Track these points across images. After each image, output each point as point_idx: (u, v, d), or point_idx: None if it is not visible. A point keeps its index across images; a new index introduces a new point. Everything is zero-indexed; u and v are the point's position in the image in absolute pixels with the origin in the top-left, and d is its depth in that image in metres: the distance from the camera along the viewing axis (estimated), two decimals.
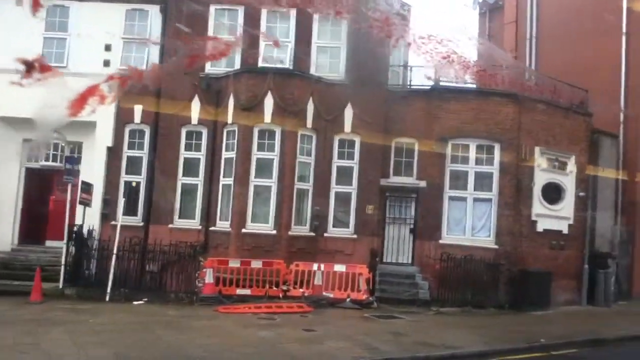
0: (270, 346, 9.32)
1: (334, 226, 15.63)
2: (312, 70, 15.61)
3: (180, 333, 9.89)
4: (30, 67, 6.90)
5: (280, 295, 13.82)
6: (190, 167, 15.83)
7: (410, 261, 15.94)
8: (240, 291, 13.83)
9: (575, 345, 11.44)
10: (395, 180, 16.02)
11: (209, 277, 13.56)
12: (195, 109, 15.70)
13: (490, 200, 15.66)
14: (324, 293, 13.88)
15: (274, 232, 14.67)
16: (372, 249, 14.94)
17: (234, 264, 13.94)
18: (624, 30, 20.32)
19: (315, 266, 14.14)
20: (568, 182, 16.88)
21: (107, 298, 13.61)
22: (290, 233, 14.84)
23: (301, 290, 13.93)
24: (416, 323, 12.49)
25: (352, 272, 14.13)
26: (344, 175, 15.74)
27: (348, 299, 13.78)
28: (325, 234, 15.46)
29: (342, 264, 14.54)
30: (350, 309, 13.46)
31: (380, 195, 15.84)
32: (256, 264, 13.91)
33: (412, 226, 16.02)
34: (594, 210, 18.67)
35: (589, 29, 21.11)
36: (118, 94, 13.53)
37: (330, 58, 15.87)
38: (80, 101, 6.85)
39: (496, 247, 15.41)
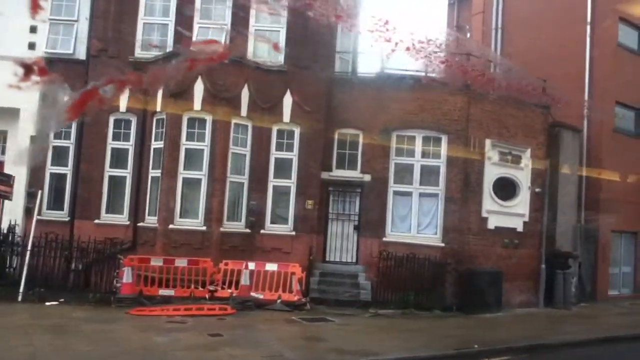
0: (156, 354, 8.34)
1: (271, 222, 14.65)
2: (250, 56, 14.59)
3: (61, 339, 8.88)
4: (28, 70, 6.42)
5: (207, 297, 12.81)
6: (119, 158, 14.79)
7: (354, 260, 14.99)
8: (163, 292, 12.81)
9: (512, 351, 10.56)
10: (338, 173, 15.08)
11: (127, 277, 12.52)
12: (124, 96, 14.63)
13: (437, 195, 14.75)
14: (253, 294, 12.91)
15: (204, 228, 13.67)
16: (309, 247, 13.98)
17: (156, 262, 12.92)
18: (588, 20, 19.53)
19: (245, 265, 13.13)
20: (523, 177, 15.99)
21: (20, 298, 12.51)
22: (222, 229, 13.85)
23: (230, 290, 12.93)
24: (345, 327, 11.56)
25: (284, 272, 13.16)
26: (283, 168, 14.76)
27: (279, 301, 12.80)
28: (262, 231, 14.47)
29: (280, 262, 13.57)
30: (280, 311, 12.48)
31: (322, 189, 14.89)
32: (181, 262, 12.89)
33: (356, 223, 15.07)
34: (554, 207, 17.82)
35: (554, 19, 20.37)
36: (117, 98, 12.87)
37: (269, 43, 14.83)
38: (79, 105, 6.26)
39: (442, 245, 14.50)
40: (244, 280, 12.78)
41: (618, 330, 13.23)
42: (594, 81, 19.27)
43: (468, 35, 24.06)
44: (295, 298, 12.85)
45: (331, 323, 11.78)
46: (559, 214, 17.89)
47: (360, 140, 15.04)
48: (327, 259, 15.02)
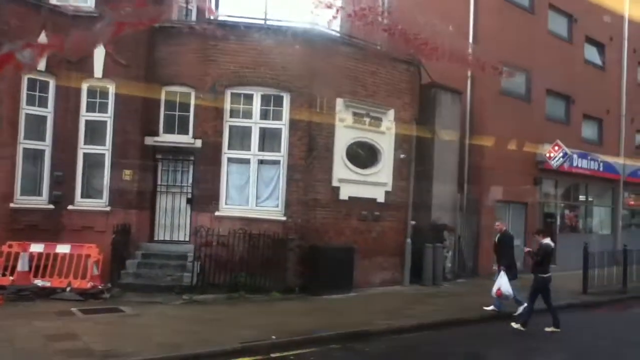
0: None
1: (83, 196, 12.49)
2: None
3: None
4: None
5: None
6: None
7: (187, 238, 12.98)
8: None
9: (321, 341, 8.87)
10: (166, 139, 12.97)
11: None
12: None
13: (279, 162, 12.86)
14: (39, 281, 10.77)
15: None
16: (117, 225, 11.89)
17: None
18: None
19: (33, 247, 10.95)
20: (385, 141, 14.28)
21: None
22: (13, 205, 11.61)
23: (12, 278, 10.74)
24: (133, 318, 9.61)
25: (78, 254, 11.06)
26: (96, 132, 12.59)
27: (68, 289, 10.72)
28: (71, 207, 12.32)
29: (92, 243, 11.45)
30: (70, 301, 10.41)
31: (146, 157, 12.78)
32: None
33: (190, 195, 13.05)
34: (430, 176, 16.34)
35: None
36: (35, 64, 10.67)
37: None
38: None
39: (284, 219, 12.66)
40: (21, 265, 10.61)
41: (470, 312, 11.74)
42: (478, 39, 17.72)
43: None
44: (89, 285, 10.77)
45: (118, 315, 9.79)
46: (435, 183, 16.44)
47: (192, 99, 12.94)
48: (156, 238, 13.00)
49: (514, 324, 10.41)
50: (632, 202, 25.48)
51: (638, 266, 16.54)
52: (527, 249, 11.52)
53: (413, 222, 15.91)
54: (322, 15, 13.24)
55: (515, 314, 11.05)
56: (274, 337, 8.70)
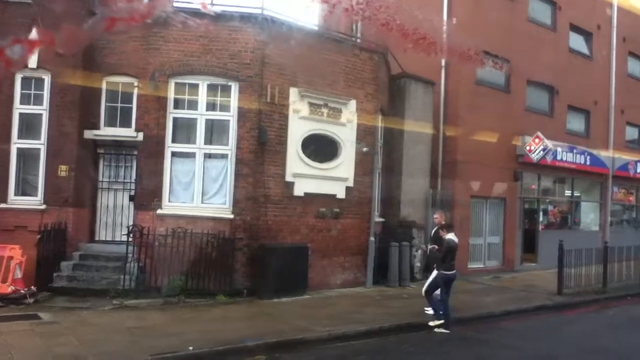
0: None
1: (17, 194, 11.75)
2: None
3: None
4: None
5: None
6: None
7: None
8: None
9: (244, 352, 8.21)
10: (108, 132, 12.19)
11: None
12: None
13: (226, 156, 12.05)
14: None
15: None
16: (46, 224, 11.13)
17: None
18: None
19: None
20: (345, 134, 13.44)
21: None
22: None
23: None
24: (46, 326, 8.84)
25: (0, 256, 10.30)
26: (31, 126, 11.84)
27: None
28: (3, 205, 11.59)
29: (25, 244, 10.73)
30: None
31: (87, 152, 12.03)
32: None
33: (132, 192, 12.27)
34: (399, 170, 15.52)
35: None
36: (26, 60, 10.72)
37: None
38: None
39: (232, 216, 11.85)
40: None
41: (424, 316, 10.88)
42: (452, 27, 16.79)
43: None
44: (9, 289, 10.01)
45: (31, 322, 9.00)
46: (405, 178, 15.64)
47: (135, 90, 12.14)
48: (97, 238, 12.26)
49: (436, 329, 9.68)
50: (632, 198, 24.49)
51: (621, 264, 15.67)
52: (431, 246, 10.80)
53: (382, 219, 15.18)
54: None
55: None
56: (191, 348, 7.92)
